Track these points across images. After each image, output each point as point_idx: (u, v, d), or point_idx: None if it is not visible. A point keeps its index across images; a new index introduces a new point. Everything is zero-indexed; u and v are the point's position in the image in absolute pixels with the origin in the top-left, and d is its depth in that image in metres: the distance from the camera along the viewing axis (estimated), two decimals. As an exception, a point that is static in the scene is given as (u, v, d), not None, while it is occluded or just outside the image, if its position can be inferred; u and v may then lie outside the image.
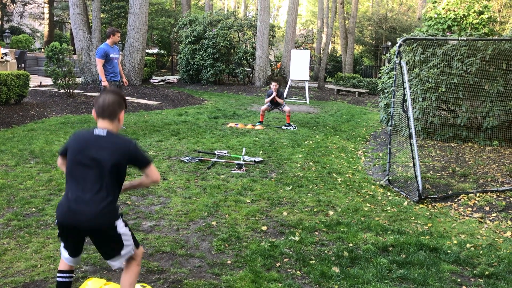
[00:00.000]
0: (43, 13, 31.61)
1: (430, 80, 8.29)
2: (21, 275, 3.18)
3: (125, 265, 2.68)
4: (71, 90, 12.55)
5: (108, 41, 8.33)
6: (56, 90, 12.96)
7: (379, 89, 10.79)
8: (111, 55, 8.27)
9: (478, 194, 5.60)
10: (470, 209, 5.30)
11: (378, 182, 6.34)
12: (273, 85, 10.25)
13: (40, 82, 15.47)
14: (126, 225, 2.63)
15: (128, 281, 2.64)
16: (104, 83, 8.17)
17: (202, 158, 6.81)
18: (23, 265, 3.32)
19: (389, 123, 6.70)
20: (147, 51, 27.18)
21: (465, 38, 7.21)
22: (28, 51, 21.97)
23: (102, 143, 2.52)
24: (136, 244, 2.67)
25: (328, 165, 6.99)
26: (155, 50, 33.22)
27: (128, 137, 2.73)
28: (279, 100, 10.27)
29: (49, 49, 12.04)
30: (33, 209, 4.44)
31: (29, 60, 20.52)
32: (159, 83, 20.73)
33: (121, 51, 16.59)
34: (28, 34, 27.94)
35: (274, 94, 10.20)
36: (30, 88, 11.31)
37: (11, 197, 4.71)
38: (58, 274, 2.73)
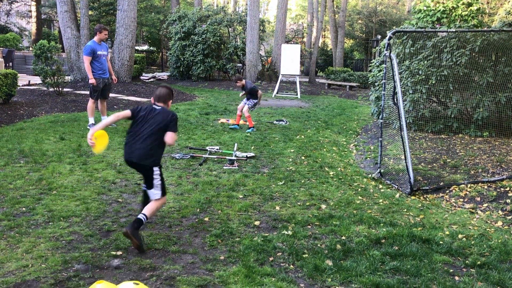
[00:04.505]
0: (30, 11, 31.21)
1: (420, 72, 8.32)
2: (12, 275, 3.14)
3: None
4: (60, 89, 12.43)
5: (95, 38, 8.24)
6: (45, 88, 12.81)
7: (369, 82, 10.81)
8: (99, 52, 8.18)
9: (469, 185, 5.64)
10: (461, 200, 5.34)
11: (370, 175, 6.36)
12: (238, 83, 9.35)
13: (29, 81, 15.31)
14: (161, 174, 3.86)
15: (150, 206, 3.80)
16: (92, 80, 8.08)
17: (194, 155, 6.79)
18: (14, 265, 3.28)
19: (380, 116, 6.71)
20: (136, 48, 26.98)
21: (454, 30, 7.24)
22: (16, 50, 21.71)
23: (158, 112, 3.89)
24: (164, 193, 3.89)
25: (320, 159, 7.00)
26: (145, 47, 33.02)
27: (173, 111, 3.96)
28: (249, 91, 9.25)
29: (37, 48, 11.89)
30: (24, 208, 4.39)
31: (17, 59, 20.28)
32: (150, 80, 20.60)
33: (110, 48, 16.47)
34: (16, 33, 27.56)
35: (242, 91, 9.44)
36: (18, 87, 11.18)
37: (0, 197, 4.65)
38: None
